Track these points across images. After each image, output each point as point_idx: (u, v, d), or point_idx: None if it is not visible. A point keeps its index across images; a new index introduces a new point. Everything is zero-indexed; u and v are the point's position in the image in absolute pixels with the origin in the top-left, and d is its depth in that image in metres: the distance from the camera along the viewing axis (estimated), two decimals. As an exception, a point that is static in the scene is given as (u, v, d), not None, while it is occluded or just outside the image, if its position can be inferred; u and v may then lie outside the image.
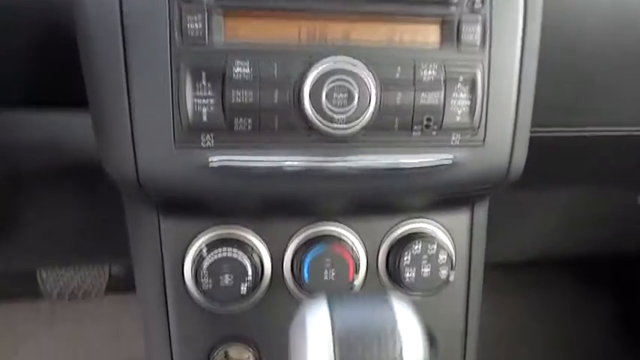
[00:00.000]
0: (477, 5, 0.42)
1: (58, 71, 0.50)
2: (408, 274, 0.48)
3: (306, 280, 0.47)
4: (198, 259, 0.46)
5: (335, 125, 0.40)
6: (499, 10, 0.43)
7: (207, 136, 0.40)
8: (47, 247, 0.72)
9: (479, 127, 0.44)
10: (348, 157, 0.42)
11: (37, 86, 0.51)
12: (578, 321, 1.32)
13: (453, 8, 0.42)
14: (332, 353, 0.29)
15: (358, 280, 0.49)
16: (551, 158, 0.61)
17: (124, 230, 0.59)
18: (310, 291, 0.47)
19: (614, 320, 1.33)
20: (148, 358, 0.52)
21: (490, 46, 0.43)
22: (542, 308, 1.30)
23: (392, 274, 0.50)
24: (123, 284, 1.19)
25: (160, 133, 0.40)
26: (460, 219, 0.52)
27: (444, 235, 0.51)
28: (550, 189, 0.74)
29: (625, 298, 1.33)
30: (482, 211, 0.53)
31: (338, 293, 0.33)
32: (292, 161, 0.41)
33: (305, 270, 0.47)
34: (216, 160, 0.40)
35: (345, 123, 0.40)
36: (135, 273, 0.53)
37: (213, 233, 0.47)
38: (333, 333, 0.30)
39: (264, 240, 0.48)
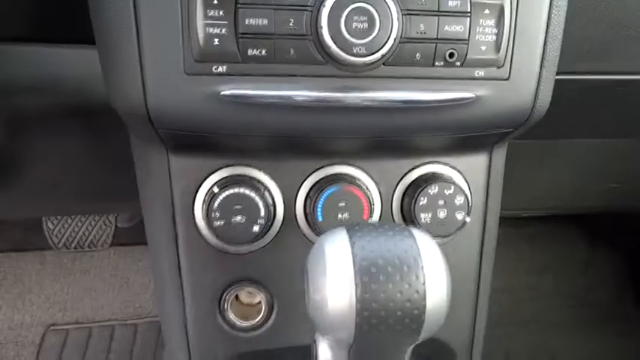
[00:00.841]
0: None
1: (60, 5, 0.47)
2: (423, 217, 0.47)
3: (320, 220, 0.46)
4: (210, 198, 0.45)
5: (354, 54, 0.38)
6: None
7: (219, 63, 0.38)
8: (51, 194, 0.71)
9: (504, 61, 0.41)
10: (366, 90, 0.40)
11: (39, 21, 0.49)
12: (587, 276, 1.33)
13: None
14: (353, 284, 0.28)
15: (372, 222, 0.48)
16: (571, 106, 0.59)
17: (132, 175, 0.58)
18: (322, 231, 0.46)
19: (622, 275, 1.33)
20: (159, 301, 0.52)
21: None
22: (552, 262, 1.30)
23: (407, 216, 0.48)
24: (129, 237, 1.19)
25: (169, 61, 0.37)
26: (477, 163, 0.50)
27: (461, 178, 0.50)
28: (566, 140, 0.72)
29: (633, 253, 1.33)
30: (500, 157, 0.51)
31: (357, 223, 0.32)
32: (307, 92, 0.39)
33: (319, 210, 0.46)
34: (228, 89, 0.38)
35: (365, 52, 0.38)
36: (144, 215, 0.51)
37: (225, 173, 0.46)
38: (354, 262, 0.28)
39: (276, 181, 0.47)
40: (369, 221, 0.46)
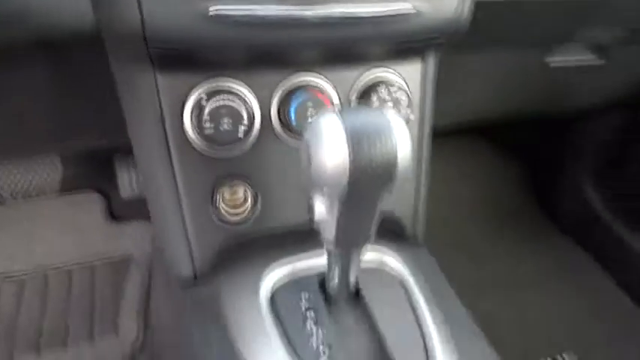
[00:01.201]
0: None
1: None
2: None
3: (293, 122, 0.55)
4: (198, 108, 0.52)
5: None
6: None
7: None
8: (17, 133, 0.72)
9: None
10: (325, 6, 0.48)
11: None
12: (495, 180, 1.54)
13: None
14: (346, 149, 0.38)
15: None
16: (485, 21, 0.71)
17: (103, 108, 0.62)
18: (296, 131, 0.55)
19: (523, 177, 1.57)
20: (156, 211, 0.59)
21: None
22: (467, 173, 1.50)
23: None
24: (76, 183, 1.20)
25: None
26: (414, 69, 0.61)
27: (402, 82, 0.60)
28: (480, 53, 0.85)
29: (533, 160, 1.56)
30: (432, 64, 0.62)
31: (342, 109, 0.41)
32: (275, 10, 0.47)
33: (292, 113, 0.54)
34: (213, 9, 0.45)
35: None
36: (132, 137, 0.57)
37: (208, 85, 0.53)
38: (346, 133, 0.38)
39: (252, 90, 0.55)
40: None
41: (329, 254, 0.49)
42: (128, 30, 0.45)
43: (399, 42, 0.55)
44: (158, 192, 0.56)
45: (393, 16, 0.51)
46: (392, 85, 0.58)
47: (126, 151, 1.17)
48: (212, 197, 0.56)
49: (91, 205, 1.23)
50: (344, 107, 0.41)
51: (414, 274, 0.57)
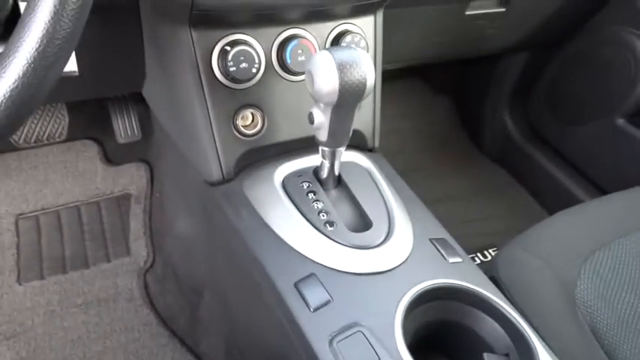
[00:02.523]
0: None
1: None
2: None
3: (289, 62, 0.78)
4: (223, 54, 0.74)
5: None
6: None
7: None
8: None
9: None
10: None
11: None
12: (430, 116, 1.84)
13: None
14: (336, 73, 0.61)
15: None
16: None
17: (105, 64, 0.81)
18: (290, 69, 0.79)
19: (453, 112, 1.88)
20: (191, 131, 0.81)
21: None
22: (405, 109, 1.79)
23: None
24: (78, 131, 1.37)
25: None
26: (368, 21, 0.86)
27: (361, 31, 0.84)
28: (412, 7, 1.10)
29: (460, 96, 1.87)
30: (379, 18, 0.87)
31: (331, 47, 0.65)
32: None
33: (288, 55, 0.78)
34: None
35: None
36: (166, 78, 0.78)
37: (228, 38, 0.75)
38: (335, 63, 0.62)
39: (258, 41, 0.77)
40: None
41: (322, 152, 0.74)
42: (181, 3, 0.66)
43: (358, 3, 0.79)
44: (193, 116, 0.78)
45: None
46: (355, 34, 0.82)
47: (119, 100, 1.36)
48: (233, 118, 0.79)
49: (89, 151, 1.41)
50: (333, 48, 0.65)
51: (376, 167, 0.84)
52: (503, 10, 1.23)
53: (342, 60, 0.62)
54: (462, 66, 1.73)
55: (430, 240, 0.73)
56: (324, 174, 0.76)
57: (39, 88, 0.41)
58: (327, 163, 0.75)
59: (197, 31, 0.73)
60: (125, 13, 0.80)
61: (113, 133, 1.35)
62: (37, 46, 0.39)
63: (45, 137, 1.30)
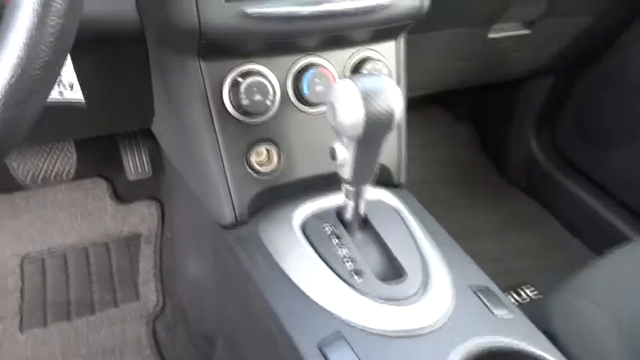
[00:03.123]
0: None
1: None
2: None
3: (306, 93, 0.72)
4: (235, 85, 0.68)
5: None
6: None
7: None
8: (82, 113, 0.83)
9: None
10: (334, 3, 0.65)
11: None
12: (452, 144, 1.77)
13: None
14: (361, 105, 0.55)
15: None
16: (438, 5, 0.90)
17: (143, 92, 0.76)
18: (308, 101, 0.72)
19: (475, 139, 1.80)
20: (201, 171, 0.74)
21: None
22: (427, 139, 1.71)
23: None
24: (87, 169, 1.32)
25: None
26: (389, 47, 0.79)
27: (382, 57, 0.78)
28: (434, 32, 1.04)
29: (482, 122, 1.79)
30: (402, 43, 0.81)
31: (353, 75, 0.58)
32: (302, 9, 0.64)
33: (305, 85, 0.71)
34: (251, 9, 0.62)
35: None
36: (178, 112, 0.73)
37: (240, 68, 0.69)
38: (359, 92, 0.55)
39: (273, 71, 0.71)
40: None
41: (345, 191, 0.67)
42: (188, 29, 0.61)
43: (379, 27, 0.73)
44: (203, 153, 0.72)
45: (374, 6, 0.69)
46: (376, 61, 0.76)
47: (129, 136, 1.31)
48: (246, 155, 0.72)
49: (98, 189, 1.35)
50: (355, 75, 0.58)
51: (405, 205, 0.76)
52: (528, 32, 1.17)
53: (366, 88, 0.55)
54: (482, 91, 1.66)
55: (472, 289, 0.65)
56: (349, 215, 0.69)
57: (16, 126, 0.35)
58: (351, 203, 0.67)
59: (206, 61, 0.67)
60: (131, 44, 0.75)
61: (123, 170, 1.30)
62: (9, 77, 0.33)
63: (52, 176, 1.25)
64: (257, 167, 0.73)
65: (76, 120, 0.87)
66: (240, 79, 0.68)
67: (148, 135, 1.16)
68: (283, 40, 0.69)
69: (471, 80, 1.32)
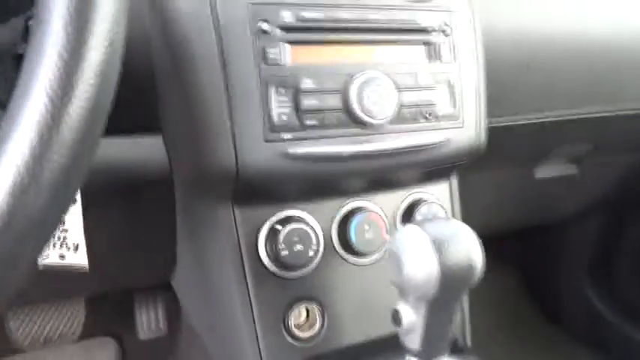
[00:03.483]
0: (447, 32, 0.63)
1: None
2: None
3: (354, 241, 0.61)
4: (272, 234, 0.58)
5: (373, 117, 0.57)
6: (459, 35, 0.64)
7: (287, 133, 0.54)
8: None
9: (459, 115, 0.63)
10: (381, 142, 0.58)
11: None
12: (501, 294, 1.60)
13: (434, 34, 0.62)
14: (433, 251, 0.44)
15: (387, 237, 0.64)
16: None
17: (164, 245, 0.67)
18: (356, 250, 0.62)
19: (525, 288, 1.63)
20: (228, 336, 0.61)
21: (458, 60, 0.63)
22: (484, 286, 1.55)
23: None
24: (95, 328, 1.18)
25: (253, 132, 0.53)
26: (443, 188, 0.71)
27: (438, 201, 0.69)
28: (481, 173, 0.97)
29: (529, 268, 1.64)
30: (455, 184, 0.73)
31: (419, 221, 0.48)
32: (345, 147, 0.57)
33: (352, 234, 0.62)
34: (294, 149, 0.55)
35: (379, 115, 0.57)
36: (205, 267, 0.62)
37: (279, 215, 0.60)
38: (431, 241, 0.45)
39: (314, 217, 0.62)
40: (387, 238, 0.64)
41: None
42: (224, 171, 0.53)
43: (431, 167, 0.65)
44: (231, 314, 0.60)
45: (426, 144, 0.62)
46: (431, 203, 0.67)
47: (145, 290, 1.19)
48: (284, 317, 0.60)
49: (106, 349, 1.20)
50: (421, 221, 0.49)
51: None
52: (576, 172, 1.10)
53: (438, 236, 0.45)
54: (528, 233, 1.54)
55: None
56: (414, 397, 0.54)
57: None
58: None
59: (241, 208, 0.59)
60: (154, 191, 0.68)
61: (134, 328, 1.16)
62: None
63: (56, 337, 1.11)
64: (296, 332, 0.60)
65: (83, 277, 0.78)
66: (278, 227, 0.59)
67: (167, 287, 1.05)
68: (326, 182, 0.61)
69: (518, 222, 1.22)
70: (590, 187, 1.20)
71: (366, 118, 0.56)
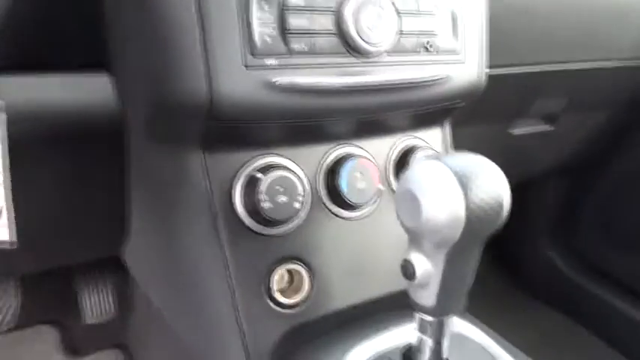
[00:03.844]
0: None
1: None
2: None
3: (345, 191, 0.53)
4: (251, 184, 0.49)
5: (371, 44, 0.48)
6: None
7: (271, 58, 0.45)
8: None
9: (461, 49, 0.56)
10: (378, 74, 0.50)
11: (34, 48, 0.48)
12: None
13: None
14: (461, 192, 0.37)
15: (380, 186, 0.57)
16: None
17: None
18: (346, 201, 0.54)
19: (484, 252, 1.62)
20: (200, 306, 0.52)
21: None
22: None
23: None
24: (33, 314, 1.04)
25: (231, 57, 0.43)
26: (435, 135, 0.64)
27: (429, 146, 0.62)
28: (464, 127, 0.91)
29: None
30: (449, 130, 0.66)
31: (436, 154, 0.41)
32: (337, 78, 0.48)
33: (343, 183, 0.53)
34: (279, 78, 0.45)
35: (377, 42, 0.49)
36: (172, 225, 0.52)
37: (259, 161, 0.51)
38: (456, 176, 0.38)
39: (299, 165, 0.53)
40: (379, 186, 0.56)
41: (420, 324, 0.46)
42: (193, 103, 0.43)
43: (430, 106, 0.58)
44: (202, 281, 0.51)
45: (429, 80, 0.54)
46: (425, 149, 0.59)
47: (88, 267, 1.06)
48: (266, 281, 0.51)
49: (46, 340, 1.06)
50: (440, 154, 0.42)
51: (492, 339, 0.55)
52: (552, 129, 1.07)
53: (463, 171, 0.38)
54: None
55: None
56: (425, 358, 0.47)
57: None
58: (429, 342, 0.46)
59: (212, 153, 0.49)
60: (100, 141, 0.56)
61: (78, 312, 1.02)
62: None
63: None
64: (280, 299, 0.52)
65: (12, 255, 0.65)
66: (259, 175, 0.49)
67: (114, 263, 0.93)
68: (313, 121, 0.52)
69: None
70: (563, 145, 1.18)
71: (362, 44, 0.48)
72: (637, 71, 1.00)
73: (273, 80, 0.45)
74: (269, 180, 0.49)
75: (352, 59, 0.49)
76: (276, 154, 0.52)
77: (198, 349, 0.55)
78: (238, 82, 0.44)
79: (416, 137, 0.61)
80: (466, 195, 0.37)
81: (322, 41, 0.47)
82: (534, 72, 0.87)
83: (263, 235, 0.51)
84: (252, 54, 0.44)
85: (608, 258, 1.36)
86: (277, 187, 0.49)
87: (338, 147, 0.56)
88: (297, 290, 0.53)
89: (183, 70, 0.42)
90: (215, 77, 0.43)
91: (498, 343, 0.54)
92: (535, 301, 1.50)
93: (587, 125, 1.15)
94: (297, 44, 0.46)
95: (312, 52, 0.47)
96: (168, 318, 0.63)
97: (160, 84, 0.44)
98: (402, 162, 0.59)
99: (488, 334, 0.56)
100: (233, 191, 0.50)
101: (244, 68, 0.44)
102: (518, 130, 1.02)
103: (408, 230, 0.41)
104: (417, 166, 0.40)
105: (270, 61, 0.45)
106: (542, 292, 1.51)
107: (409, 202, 0.39)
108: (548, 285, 1.50)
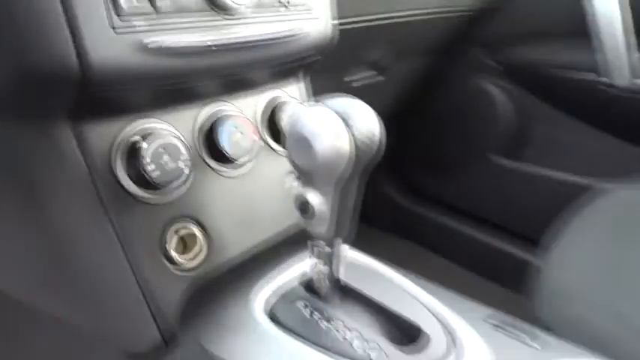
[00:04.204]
0: None
1: None
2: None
3: (226, 146, 0.55)
4: (132, 152, 0.48)
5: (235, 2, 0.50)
6: None
7: (139, 19, 0.43)
8: None
9: (312, 6, 0.60)
10: (245, 31, 0.52)
11: None
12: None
13: None
14: (344, 127, 0.42)
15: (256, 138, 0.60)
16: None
17: None
18: (227, 157, 0.56)
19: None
20: (96, 286, 0.50)
21: None
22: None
23: (274, 131, 0.62)
24: None
25: (97, 20, 0.41)
26: (297, 87, 0.69)
27: (294, 99, 0.67)
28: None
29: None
30: (307, 83, 0.71)
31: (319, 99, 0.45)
32: (207, 37, 0.49)
33: (224, 141, 0.55)
34: (151, 41, 0.44)
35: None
36: (43, 211, 0.48)
37: (134, 129, 0.49)
38: (341, 118, 0.43)
39: (175, 127, 0.53)
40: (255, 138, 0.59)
41: (316, 254, 0.51)
42: (60, 72, 0.40)
43: (290, 60, 0.62)
44: (99, 258, 0.49)
45: (289, 35, 0.58)
46: (290, 103, 0.64)
47: None
48: (161, 245, 0.51)
49: None
50: (320, 99, 0.46)
51: (369, 258, 0.63)
52: (383, 78, 1.20)
53: (346, 112, 0.43)
54: None
55: (489, 323, 0.55)
56: (325, 283, 0.53)
57: None
58: (325, 269, 0.52)
59: (83, 124, 0.46)
60: None
61: None
62: None
63: None
64: (179, 259, 0.53)
65: None
66: (141, 143, 0.48)
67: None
68: (184, 82, 0.52)
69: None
70: (391, 92, 1.33)
71: (227, 1, 0.49)
72: (445, 20, 1.17)
73: (145, 42, 0.44)
74: (153, 145, 0.48)
75: (218, 17, 0.50)
76: (149, 118, 0.51)
77: (90, 331, 0.54)
78: (108, 47, 0.42)
79: (280, 90, 0.65)
80: (350, 131, 0.43)
81: (188, 0, 0.47)
82: (361, 26, 0.96)
83: (151, 203, 0.51)
84: (119, 15, 0.42)
85: (430, 183, 1.60)
86: (160, 151, 0.49)
87: (207, 106, 0.57)
88: (196, 254, 0.54)
89: (48, 39, 0.39)
90: (82, 43, 0.40)
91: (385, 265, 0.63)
92: (379, 232, 1.70)
93: (411, 73, 1.31)
94: (162, 2, 0.45)
95: (178, 10, 0.46)
96: (47, 308, 0.59)
97: (16, 60, 0.40)
98: (271, 115, 0.63)
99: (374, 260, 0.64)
100: (113, 162, 0.48)
101: (112, 31, 0.42)
102: (356, 83, 1.13)
103: (301, 171, 0.45)
104: (305, 112, 0.44)
105: (139, 22, 0.44)
106: (384, 224, 1.71)
107: (303, 145, 0.43)
108: (388, 217, 1.70)
